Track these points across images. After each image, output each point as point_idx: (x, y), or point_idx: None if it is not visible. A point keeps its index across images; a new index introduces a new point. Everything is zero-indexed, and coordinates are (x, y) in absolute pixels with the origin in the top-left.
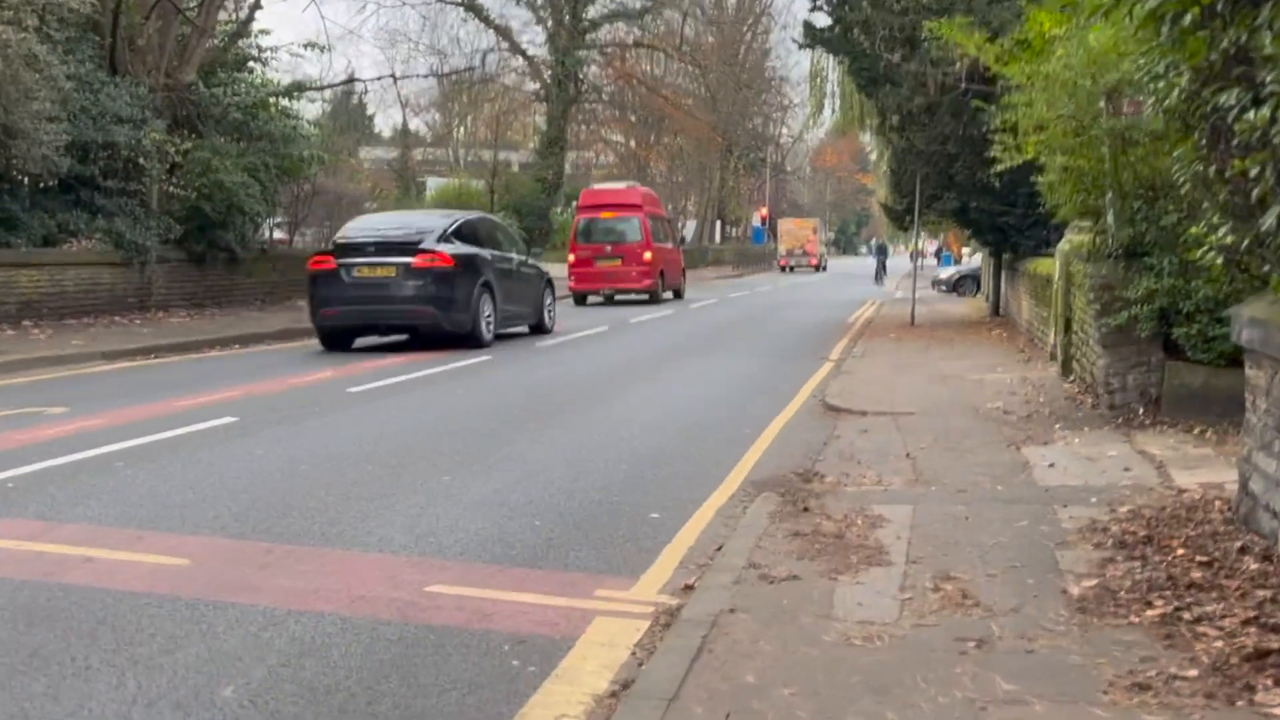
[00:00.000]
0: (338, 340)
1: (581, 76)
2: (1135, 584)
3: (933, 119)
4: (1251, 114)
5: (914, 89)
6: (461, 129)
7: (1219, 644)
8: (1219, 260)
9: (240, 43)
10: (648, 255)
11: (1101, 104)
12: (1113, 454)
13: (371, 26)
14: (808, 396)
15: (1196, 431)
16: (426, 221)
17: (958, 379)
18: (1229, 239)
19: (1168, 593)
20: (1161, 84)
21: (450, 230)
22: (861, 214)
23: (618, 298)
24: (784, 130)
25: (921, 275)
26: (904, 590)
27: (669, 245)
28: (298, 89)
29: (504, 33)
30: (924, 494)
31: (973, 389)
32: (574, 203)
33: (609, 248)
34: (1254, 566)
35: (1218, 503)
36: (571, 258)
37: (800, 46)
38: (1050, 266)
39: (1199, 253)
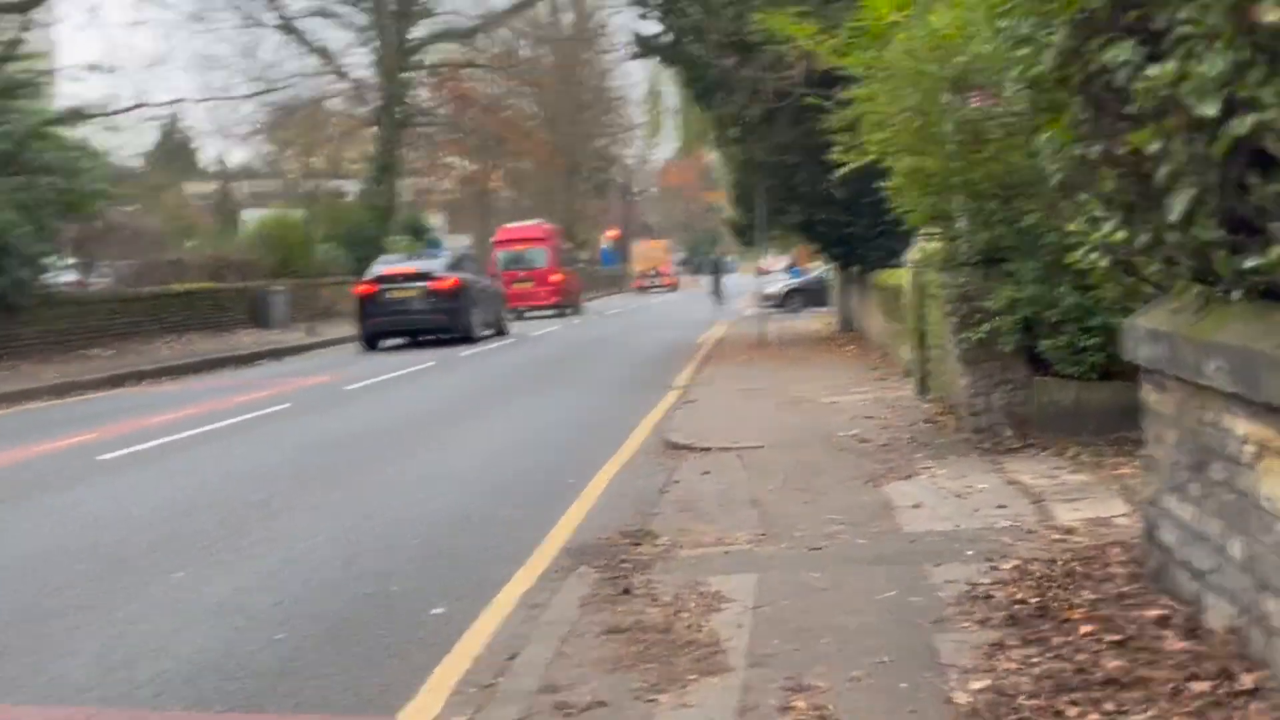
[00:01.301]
0: (376, 341)
1: (411, 99)
2: (1038, 682)
3: (772, 128)
4: (1153, 70)
5: (750, 96)
6: (296, 158)
7: None
8: (1103, 262)
9: (8, 67)
10: (555, 278)
11: (946, 98)
12: (983, 487)
13: (183, 53)
14: (649, 433)
15: (1071, 454)
16: (434, 259)
17: (810, 402)
18: (1118, 235)
19: (1079, 694)
20: (1027, 50)
21: (450, 263)
22: (712, 233)
23: (526, 314)
24: (629, 151)
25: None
26: (743, 715)
27: (570, 268)
28: (76, 116)
29: (326, 55)
30: (772, 556)
31: (826, 413)
32: (407, 235)
33: (523, 273)
34: (1180, 646)
35: (1114, 550)
36: None
37: (631, 56)
38: (900, 277)
39: (1078, 254)
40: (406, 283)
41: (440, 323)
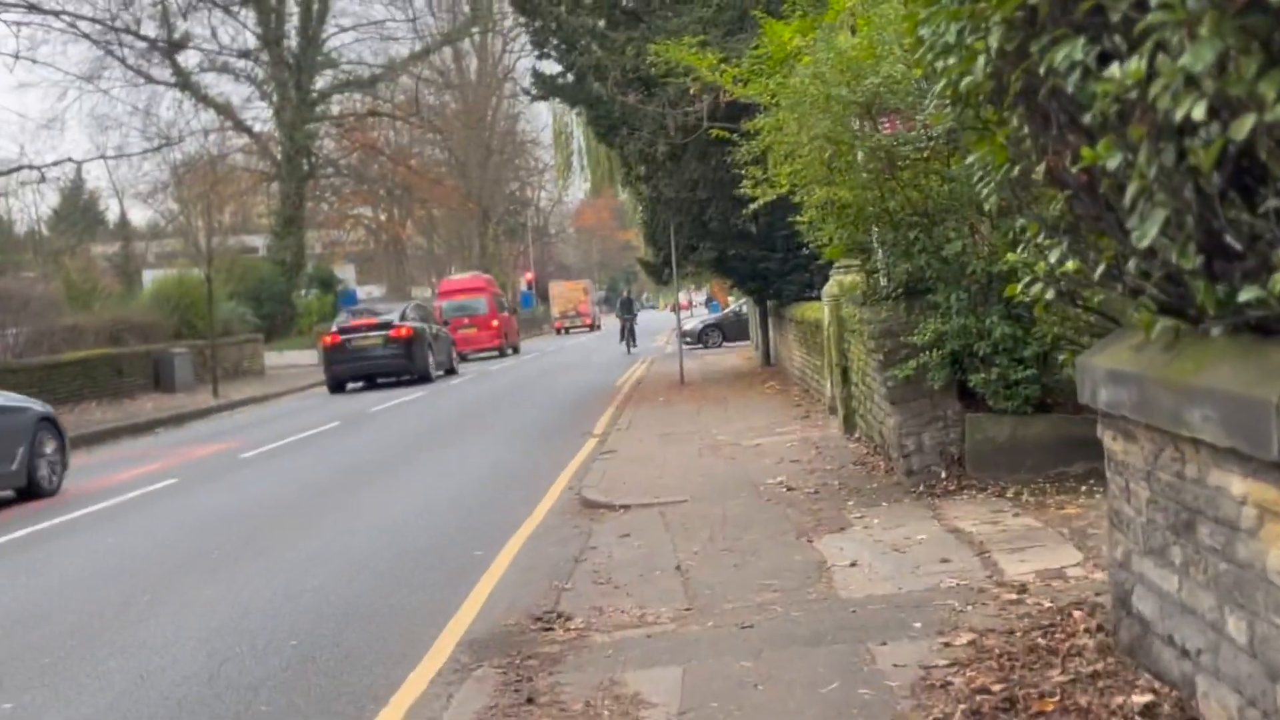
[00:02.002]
0: (343, 385)
1: (315, 150)
2: None
3: (679, 164)
4: (1113, 71)
5: (655, 133)
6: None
7: None
8: (1048, 294)
9: None
10: (495, 322)
11: (857, 125)
12: (922, 537)
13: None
14: (564, 488)
15: (1011, 494)
16: (389, 311)
17: (733, 446)
18: (1069, 265)
19: None
20: (953, 60)
21: (403, 313)
22: (629, 271)
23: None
24: (542, 193)
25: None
26: None
27: (507, 314)
28: None
29: (225, 110)
30: (699, 639)
31: (751, 458)
32: (316, 289)
33: (467, 319)
34: None
35: (1077, 614)
36: None
37: (531, 98)
38: (818, 311)
39: (1018, 286)
40: (369, 331)
41: (400, 366)
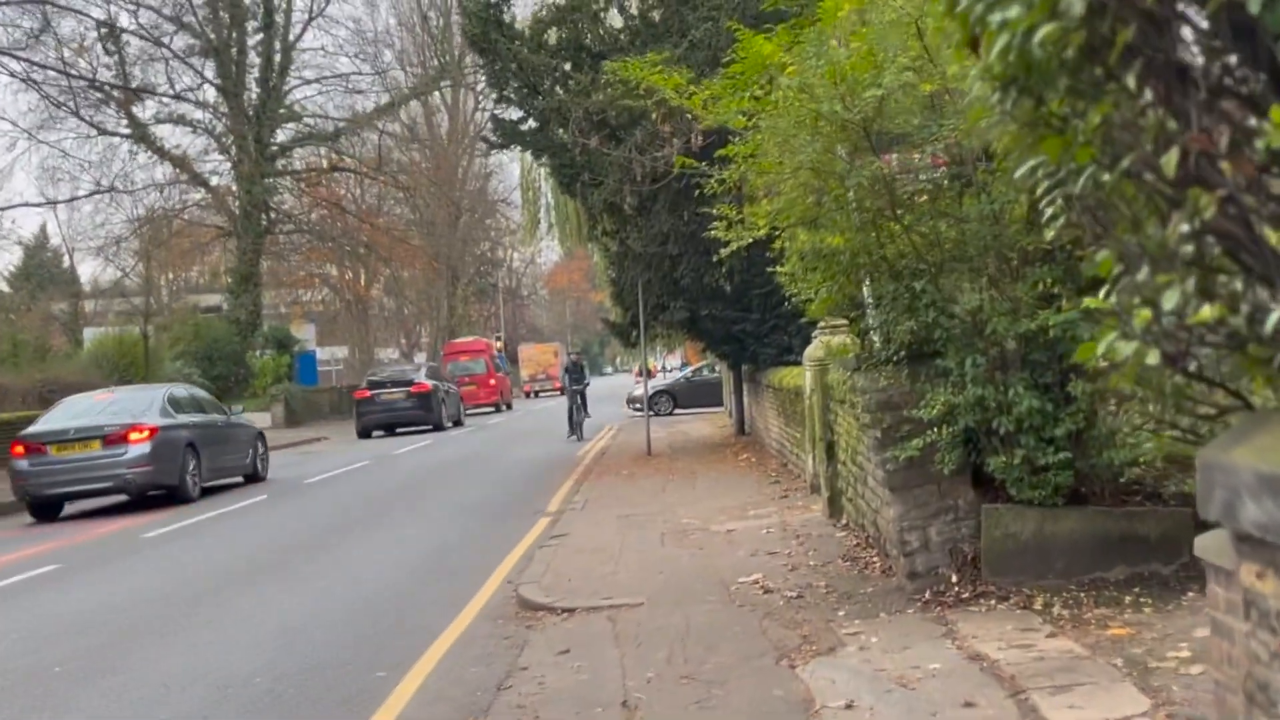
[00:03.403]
0: (370, 432)
1: (275, 205)
2: None
3: (648, 216)
4: None
5: (621, 181)
6: (156, 271)
7: None
8: (1149, 356)
9: None
10: (493, 381)
11: (849, 150)
12: (935, 666)
13: (26, 164)
14: (501, 582)
15: (1039, 605)
16: (410, 369)
17: (701, 532)
18: (1205, 313)
19: None
20: (1018, 6)
21: (425, 371)
22: (603, 334)
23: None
24: (515, 254)
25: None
26: None
27: (502, 374)
28: None
29: (181, 163)
30: None
31: (721, 548)
32: (272, 349)
33: (467, 378)
34: None
35: None
36: None
37: (490, 146)
38: (798, 377)
39: (1099, 346)
40: (393, 387)
41: (419, 416)
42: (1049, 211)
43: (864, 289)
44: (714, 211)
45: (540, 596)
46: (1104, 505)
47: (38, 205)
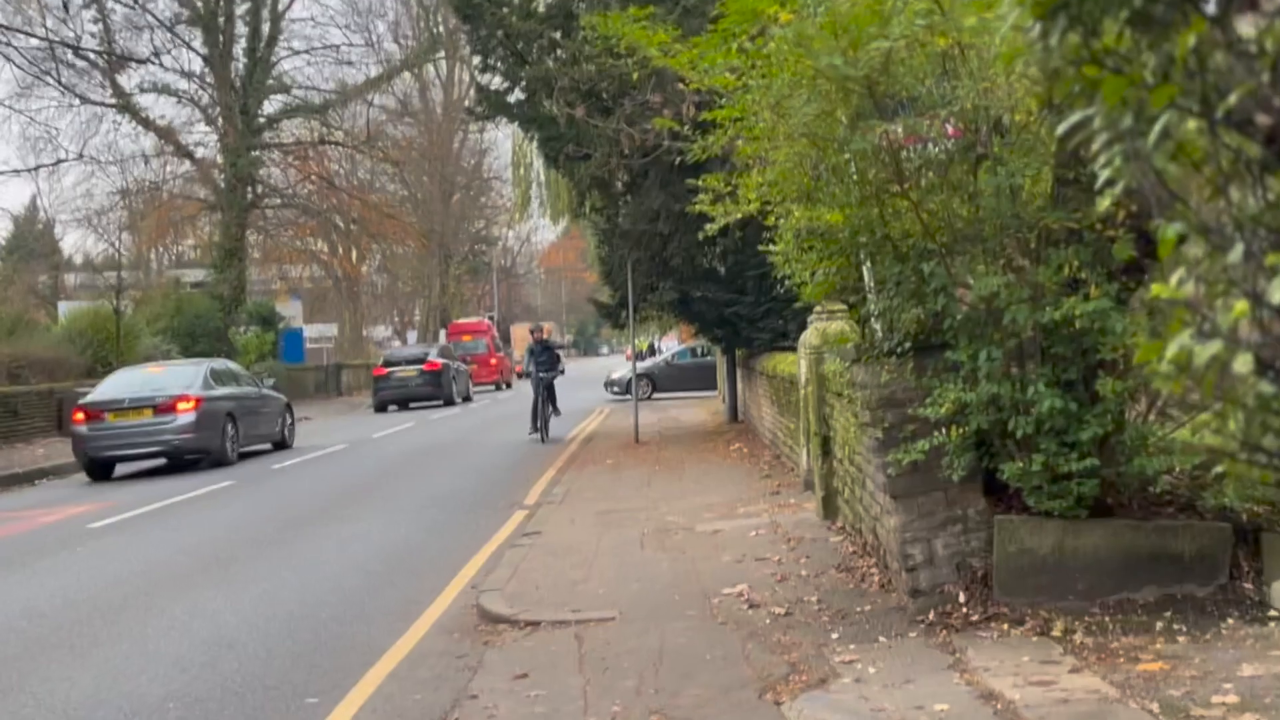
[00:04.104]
0: (386, 407)
1: (262, 179)
2: None
3: (639, 193)
4: None
5: (609, 154)
6: (151, 246)
7: None
8: (1240, 363)
9: None
10: (493, 361)
11: (846, 116)
12: (942, 708)
13: (7, 134)
14: (463, 588)
15: (1058, 630)
16: (426, 348)
17: (685, 532)
18: None
19: None
20: None
21: (435, 351)
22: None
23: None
24: (509, 233)
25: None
26: None
27: (502, 353)
28: None
29: (166, 134)
30: None
31: (705, 551)
32: (256, 326)
33: (470, 357)
34: None
35: None
36: None
37: (475, 118)
38: (793, 365)
39: (1171, 347)
40: (407, 365)
41: (430, 392)
42: (1104, 175)
43: (864, 271)
44: (700, 184)
45: (503, 607)
46: (1132, 518)
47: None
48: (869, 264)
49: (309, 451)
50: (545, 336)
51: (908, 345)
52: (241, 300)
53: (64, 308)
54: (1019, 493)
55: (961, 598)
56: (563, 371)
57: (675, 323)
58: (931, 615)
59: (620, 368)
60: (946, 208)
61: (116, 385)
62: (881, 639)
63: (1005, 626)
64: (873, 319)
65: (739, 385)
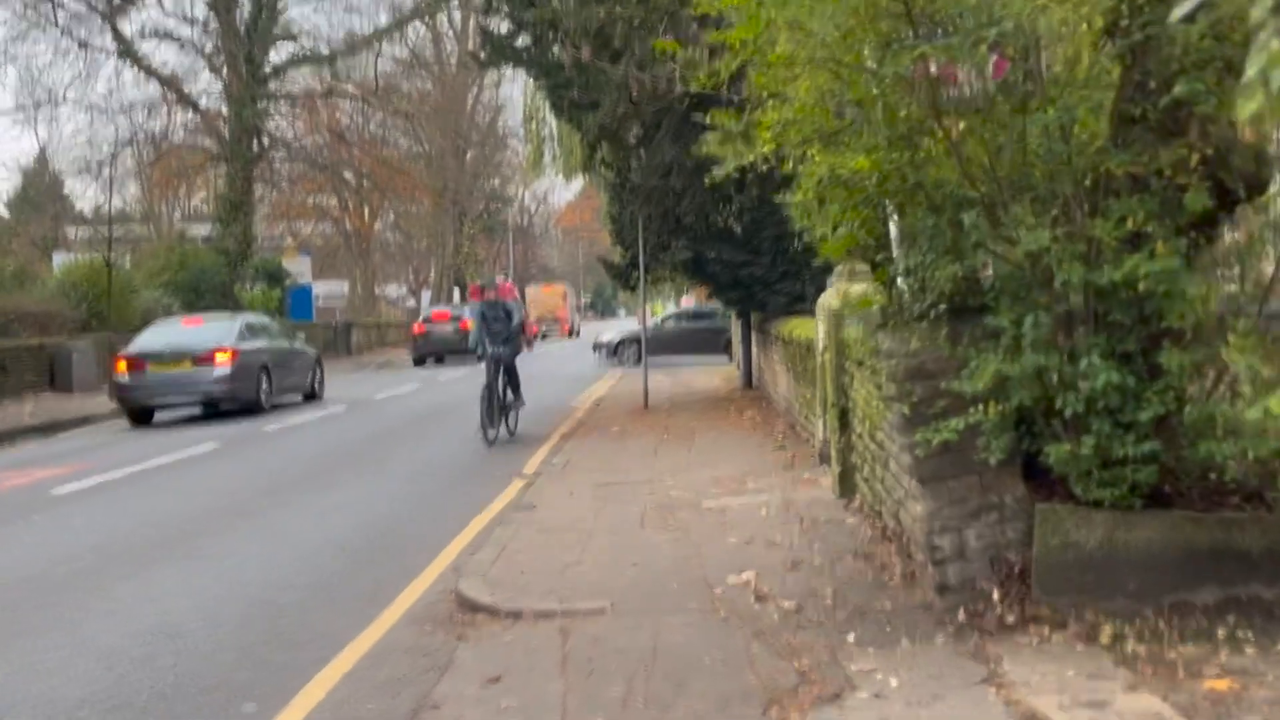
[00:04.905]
0: (424, 360)
1: (269, 130)
2: None
3: (651, 146)
4: None
5: (617, 101)
6: (162, 198)
7: None
8: None
9: None
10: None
11: (875, 44)
12: None
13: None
14: (444, 569)
15: (1107, 637)
16: (461, 308)
17: (690, 509)
18: None
19: None
20: None
21: (469, 310)
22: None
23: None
24: (526, 192)
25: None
26: None
27: (525, 313)
28: None
29: (169, 82)
30: None
31: (711, 532)
32: (262, 282)
33: None
34: None
35: None
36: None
37: (479, 65)
38: (810, 330)
39: None
40: (444, 323)
41: (464, 347)
42: (1251, 70)
43: (890, 224)
44: (707, 121)
45: (483, 594)
46: (1192, 509)
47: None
48: (894, 217)
49: (307, 411)
50: (499, 297)
51: (941, 308)
52: (248, 255)
53: (59, 259)
54: (1063, 479)
55: (995, 596)
56: (529, 346)
57: (689, 285)
58: (962, 615)
59: (608, 331)
60: (989, 150)
61: (156, 336)
62: (905, 643)
63: (1046, 630)
64: (900, 278)
65: (754, 350)
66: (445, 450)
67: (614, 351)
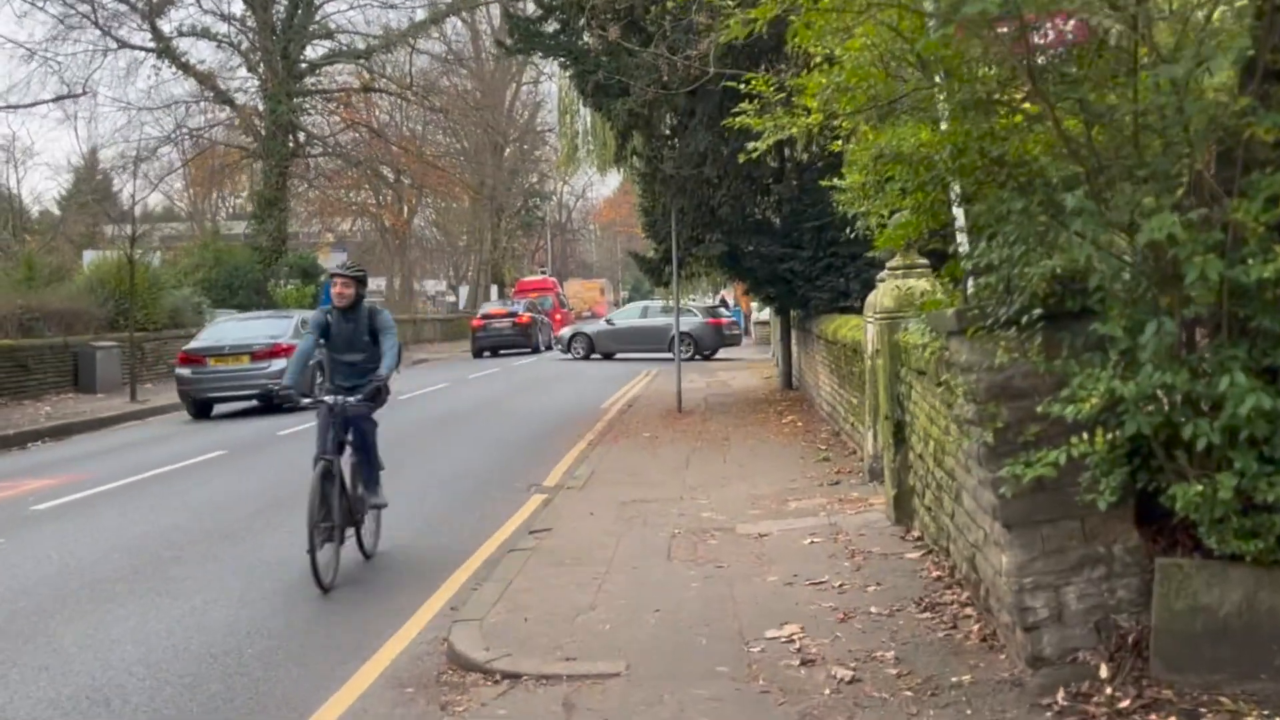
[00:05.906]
0: (483, 353)
1: (305, 127)
2: None
3: (684, 134)
4: None
5: (648, 85)
6: (204, 196)
7: None
8: None
9: None
10: (559, 316)
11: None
12: None
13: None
14: (438, 610)
15: None
16: (517, 304)
17: (724, 534)
18: None
19: None
20: None
21: (525, 307)
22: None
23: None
24: (564, 188)
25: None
26: None
27: (566, 309)
28: None
29: (206, 79)
30: None
31: (746, 568)
32: (296, 278)
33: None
34: None
35: None
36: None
37: (506, 52)
38: (857, 330)
39: None
40: (501, 319)
41: (520, 341)
42: None
43: (956, 210)
44: (741, 87)
45: (477, 648)
46: None
47: (38, 104)
48: (958, 202)
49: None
50: (345, 292)
51: (1036, 313)
52: (282, 252)
53: (89, 257)
54: (1190, 527)
55: (1104, 672)
56: (392, 371)
57: (725, 280)
58: (1062, 696)
59: (592, 324)
60: (1103, 108)
61: (216, 333)
62: None
63: (1171, 719)
64: (979, 275)
65: (794, 350)
66: (463, 460)
67: (567, 347)
